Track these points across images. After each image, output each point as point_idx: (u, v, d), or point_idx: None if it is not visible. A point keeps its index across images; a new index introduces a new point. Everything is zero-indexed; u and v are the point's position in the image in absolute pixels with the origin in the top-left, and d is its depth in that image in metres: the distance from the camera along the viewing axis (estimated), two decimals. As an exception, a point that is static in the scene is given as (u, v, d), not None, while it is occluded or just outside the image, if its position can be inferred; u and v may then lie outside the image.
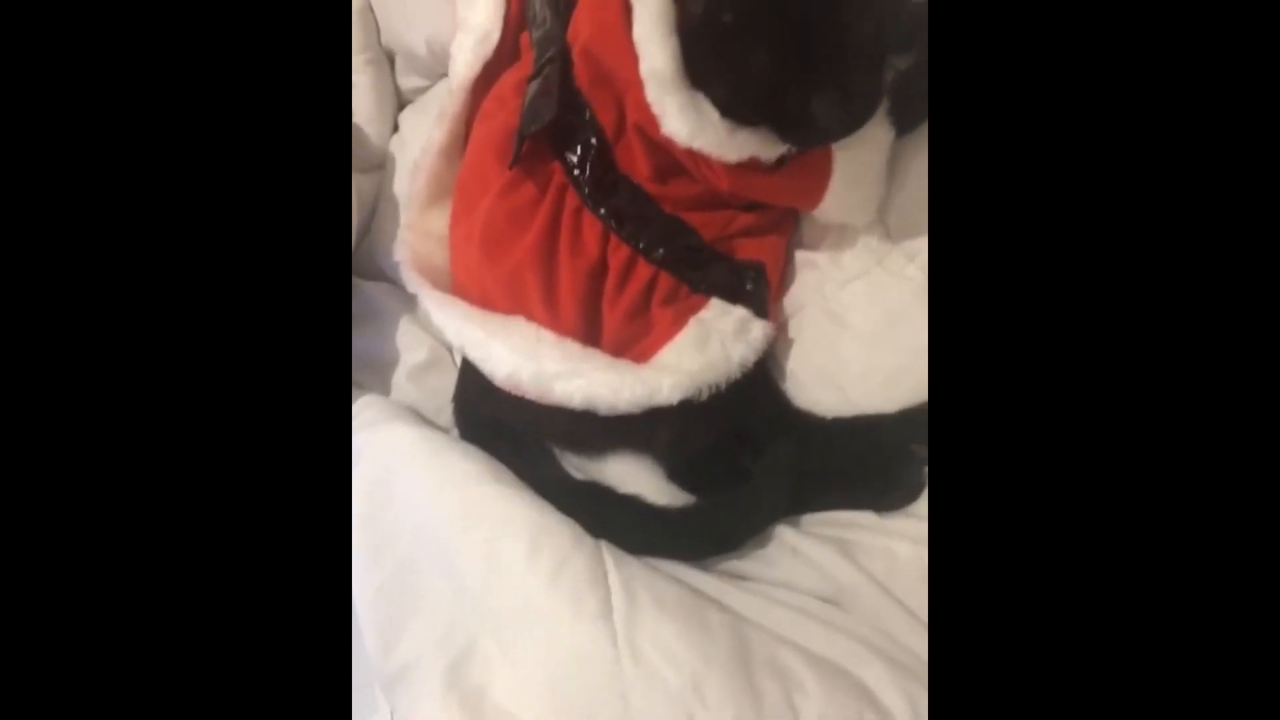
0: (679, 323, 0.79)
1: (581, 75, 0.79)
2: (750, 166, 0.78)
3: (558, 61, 0.81)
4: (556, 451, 0.85)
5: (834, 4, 0.65)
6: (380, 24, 1.09)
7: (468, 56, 0.90)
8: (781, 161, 0.77)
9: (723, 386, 0.78)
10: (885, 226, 0.83)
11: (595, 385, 0.77)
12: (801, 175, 0.79)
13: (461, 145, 0.91)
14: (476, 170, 0.86)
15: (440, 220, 0.90)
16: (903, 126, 0.79)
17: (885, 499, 0.75)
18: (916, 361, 0.77)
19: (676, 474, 0.81)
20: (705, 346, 0.78)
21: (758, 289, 0.83)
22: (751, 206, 0.83)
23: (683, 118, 0.72)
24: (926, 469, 0.74)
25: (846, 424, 0.78)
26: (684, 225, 0.81)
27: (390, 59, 1.11)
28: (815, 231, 0.86)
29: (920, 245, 0.80)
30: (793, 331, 0.85)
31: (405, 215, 0.93)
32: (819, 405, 0.81)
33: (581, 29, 0.79)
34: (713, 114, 0.72)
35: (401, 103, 1.12)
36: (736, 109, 0.71)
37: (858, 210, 0.82)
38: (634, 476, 0.82)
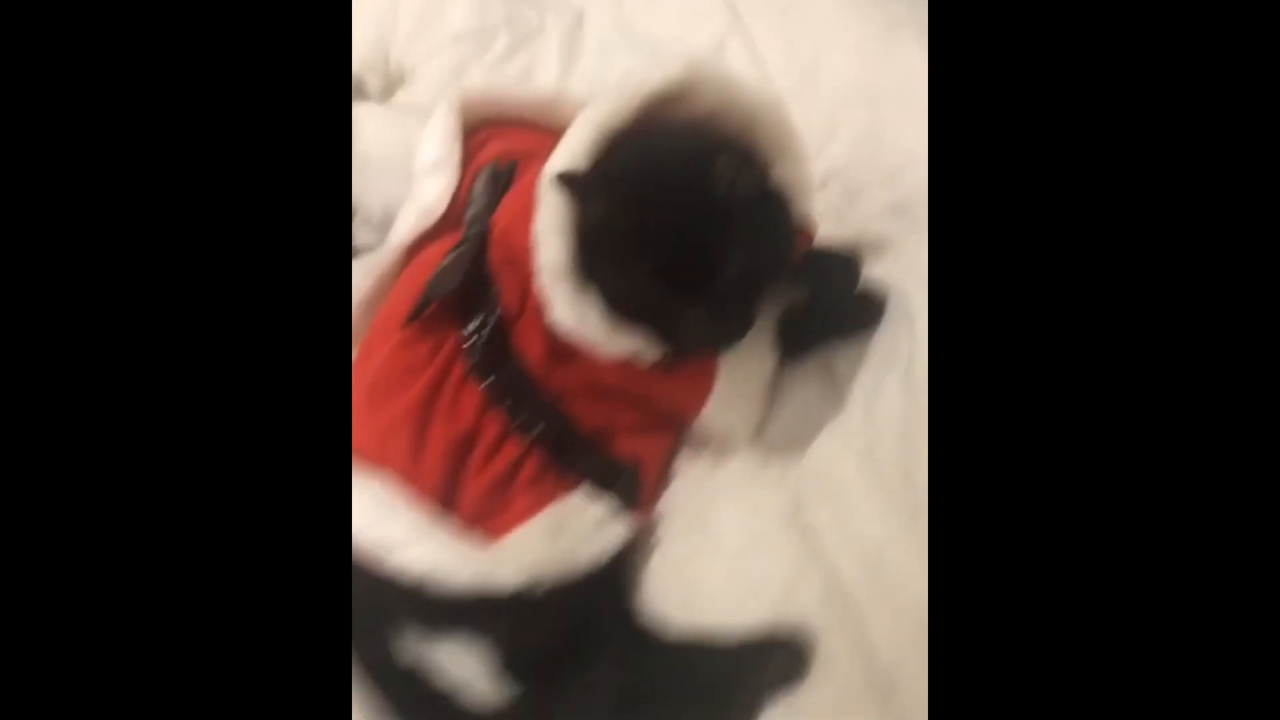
0: (536, 507, 0.77)
1: (495, 255, 0.83)
2: (636, 364, 0.79)
3: (477, 239, 0.85)
4: (397, 621, 0.81)
5: (715, 234, 0.71)
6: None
7: (410, 223, 0.95)
8: (668, 367, 0.79)
9: (564, 584, 0.75)
10: (764, 443, 0.83)
11: (435, 558, 0.74)
12: (684, 382, 0.81)
13: (383, 301, 0.94)
14: (386, 322, 0.88)
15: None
16: (789, 352, 0.82)
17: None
18: (765, 586, 0.74)
19: (511, 664, 0.76)
20: (556, 538, 0.76)
21: (630, 486, 0.82)
22: (639, 405, 0.84)
23: (570, 309, 0.75)
24: (764, 706, 0.69)
25: (688, 647, 0.74)
26: (563, 411, 0.82)
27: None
28: (696, 440, 0.86)
29: (790, 468, 0.80)
30: (661, 533, 0.83)
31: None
32: (667, 619, 0.77)
33: (504, 213, 0.84)
34: (596, 309, 0.74)
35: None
36: (618, 309, 0.74)
37: (737, 425, 0.82)
38: (467, 659, 0.77)
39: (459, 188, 0.96)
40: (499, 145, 0.94)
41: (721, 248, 0.71)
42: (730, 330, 0.75)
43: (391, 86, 1.26)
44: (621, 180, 0.71)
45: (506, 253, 0.82)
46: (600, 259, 0.73)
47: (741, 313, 0.75)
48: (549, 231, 0.74)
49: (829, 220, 0.90)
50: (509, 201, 0.85)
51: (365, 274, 0.96)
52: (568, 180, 0.71)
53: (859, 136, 0.96)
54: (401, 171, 1.08)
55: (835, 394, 0.81)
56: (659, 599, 0.79)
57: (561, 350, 0.82)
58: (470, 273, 0.84)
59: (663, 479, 0.86)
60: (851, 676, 0.68)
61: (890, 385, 0.77)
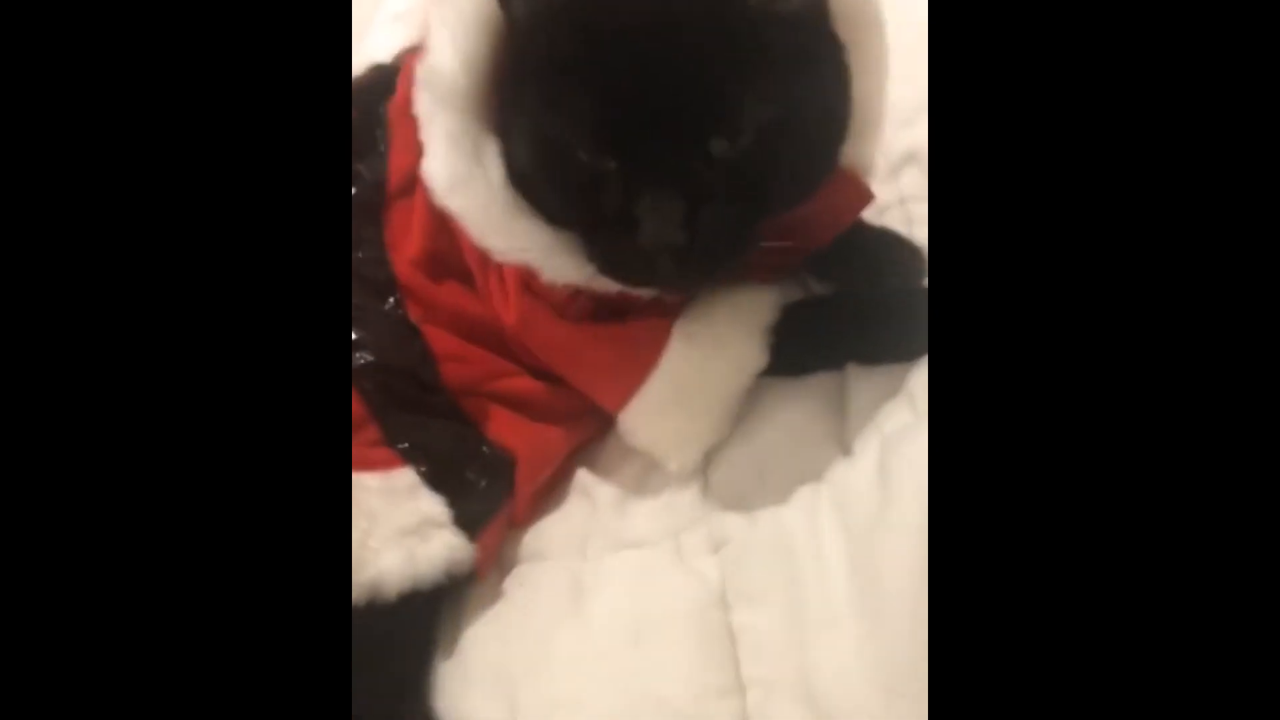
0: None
1: (399, 97, 0.56)
2: (550, 303, 0.51)
3: (376, 77, 0.58)
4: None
5: (710, 84, 0.41)
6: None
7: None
8: (595, 309, 0.50)
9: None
10: (705, 481, 0.52)
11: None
12: (614, 348, 0.52)
13: None
14: None
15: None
16: (781, 364, 0.52)
17: None
18: (635, 707, 0.43)
19: None
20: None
21: (489, 490, 0.52)
22: (541, 375, 0.55)
23: (450, 156, 0.46)
24: None
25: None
26: (421, 342, 0.53)
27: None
28: (615, 451, 0.56)
29: (734, 530, 0.49)
30: (508, 586, 0.53)
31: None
32: (471, 714, 0.46)
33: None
34: (494, 170, 0.46)
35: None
36: (533, 178, 0.45)
37: (675, 441, 0.52)
38: None
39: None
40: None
41: (730, 96, 0.41)
42: (710, 251, 0.43)
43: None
44: None
45: (409, 91, 0.55)
46: (521, 89, 0.44)
47: (734, 230, 0.44)
48: (447, 20, 0.45)
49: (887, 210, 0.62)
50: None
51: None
52: None
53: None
54: (359, 25, 0.84)
55: (834, 442, 0.50)
56: (469, 685, 0.48)
57: (450, 256, 0.54)
58: (361, 113, 0.57)
59: (544, 496, 0.56)
60: None
61: (914, 462, 0.45)
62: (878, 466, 0.44)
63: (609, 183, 0.43)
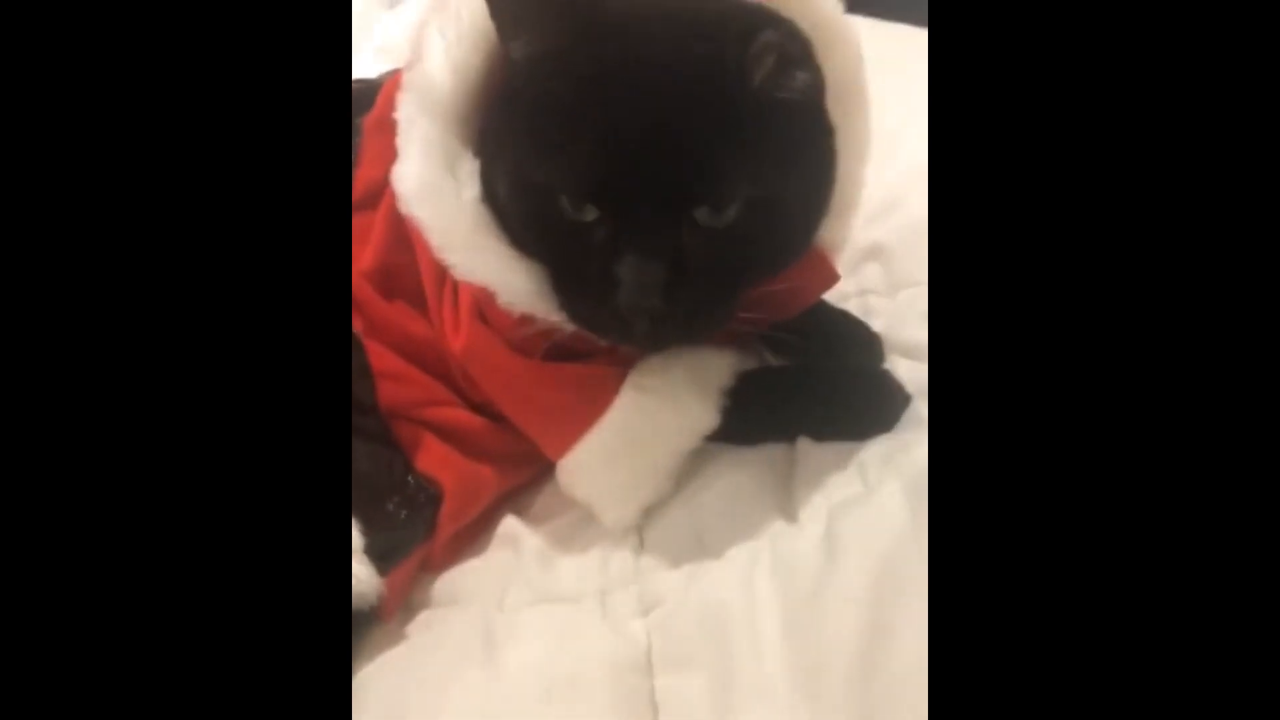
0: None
1: (375, 112, 0.55)
2: (502, 334, 0.49)
3: (369, 87, 0.58)
4: None
5: (704, 154, 0.40)
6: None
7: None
8: (550, 353, 0.48)
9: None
10: (640, 540, 0.50)
11: None
12: (563, 391, 0.50)
13: None
14: None
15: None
16: (730, 429, 0.51)
17: None
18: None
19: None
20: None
21: (409, 523, 0.49)
22: (480, 410, 0.52)
23: (424, 164, 0.45)
24: None
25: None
26: (361, 358, 0.50)
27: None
28: (548, 500, 0.53)
29: (667, 592, 0.46)
30: (415, 628, 0.49)
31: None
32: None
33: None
34: (468, 188, 0.45)
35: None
36: (510, 209, 0.44)
37: (614, 495, 0.50)
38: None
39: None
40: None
41: (723, 169, 0.40)
42: (687, 318, 0.42)
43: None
44: (585, 11, 0.41)
45: (389, 110, 0.54)
46: (510, 121, 0.44)
47: (716, 301, 0.43)
48: (445, 35, 0.45)
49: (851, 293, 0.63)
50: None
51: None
52: None
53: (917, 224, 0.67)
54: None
55: (779, 509, 0.48)
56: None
57: (403, 275, 0.52)
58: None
59: (466, 538, 0.53)
60: None
61: (863, 533, 0.44)
62: (824, 534, 0.43)
63: (590, 236, 0.42)
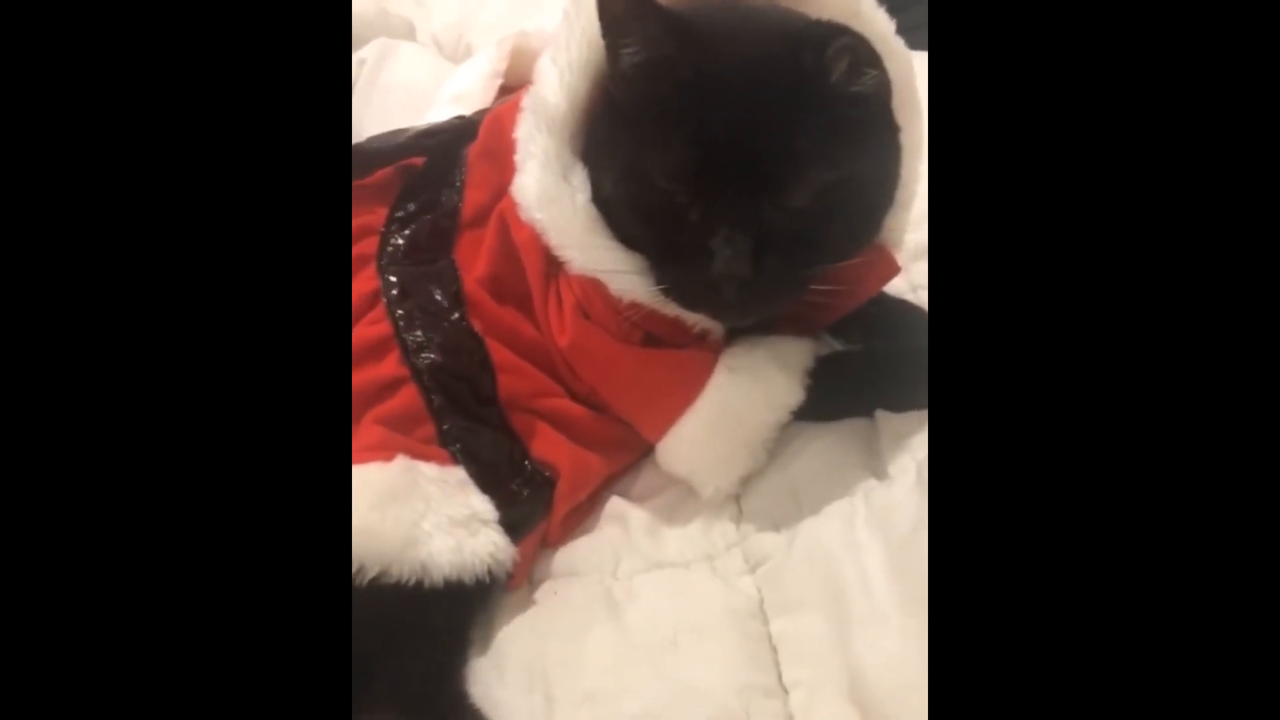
0: (383, 452, 0.50)
1: (479, 143, 0.62)
2: (603, 329, 0.54)
3: (464, 124, 0.65)
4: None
5: (803, 133, 0.46)
6: (354, 111, 0.99)
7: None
8: (649, 334, 0.54)
9: (368, 579, 0.45)
10: (739, 509, 0.55)
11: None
12: (661, 377, 0.55)
13: None
14: None
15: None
16: (815, 407, 0.56)
17: None
18: (673, 711, 0.44)
19: None
20: (394, 505, 0.48)
21: (530, 501, 0.54)
22: (585, 402, 0.58)
23: (542, 174, 0.51)
24: None
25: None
26: (483, 352, 0.56)
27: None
28: (651, 480, 0.58)
29: (771, 549, 0.51)
30: (543, 595, 0.53)
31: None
32: (503, 712, 0.46)
33: (508, 101, 0.64)
34: (580, 192, 0.51)
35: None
36: (618, 203, 0.50)
37: (713, 468, 0.55)
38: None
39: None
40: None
41: (803, 157, 0.46)
42: (771, 287, 0.48)
43: (456, 60, 1.12)
44: (685, 25, 0.48)
45: (491, 143, 0.61)
46: (617, 127, 0.50)
47: (795, 275, 0.49)
48: (552, 67, 0.52)
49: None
50: (518, 93, 0.65)
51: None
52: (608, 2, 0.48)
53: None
54: (420, 105, 0.91)
55: (868, 469, 0.53)
56: (504, 682, 0.48)
57: (514, 285, 0.58)
58: (440, 154, 0.62)
59: (578, 519, 0.57)
60: None
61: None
62: (914, 483, 0.48)
63: (687, 217, 0.48)
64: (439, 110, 0.85)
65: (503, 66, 0.81)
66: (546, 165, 0.51)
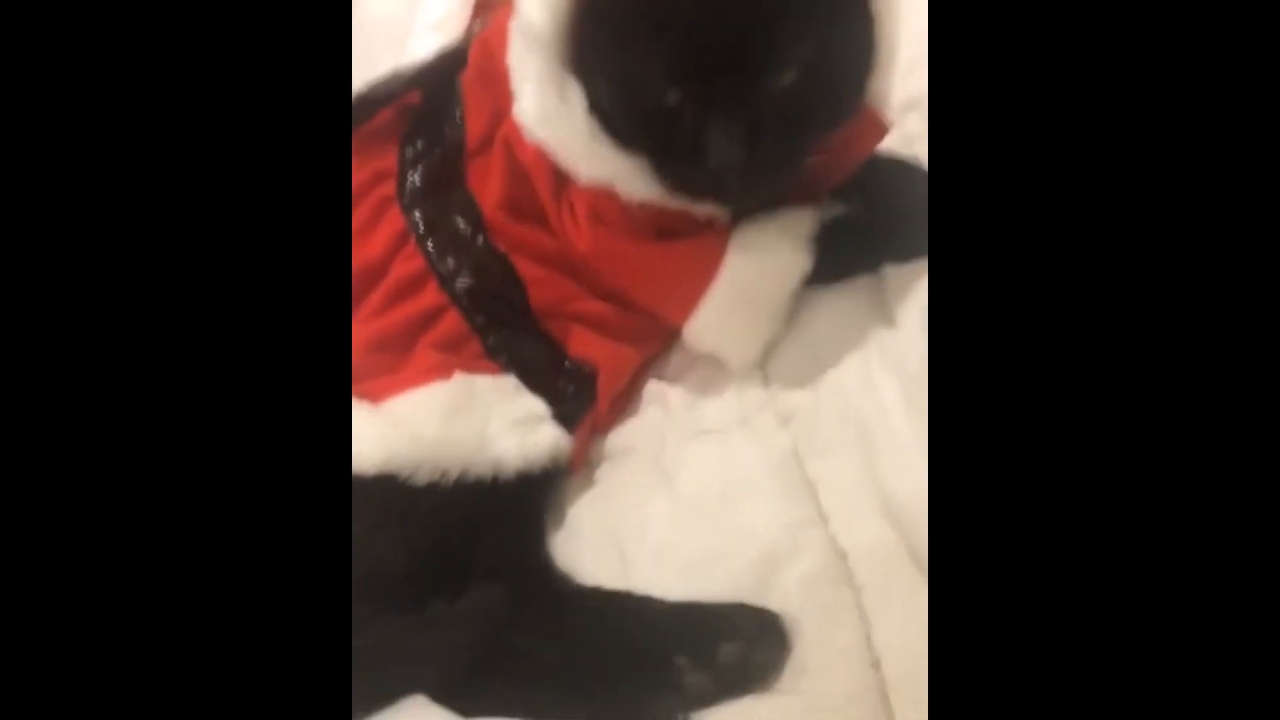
0: (441, 372, 0.55)
1: (470, 70, 0.64)
2: (617, 229, 0.59)
3: (453, 53, 0.67)
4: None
5: (775, 18, 0.49)
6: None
7: (386, 74, 0.77)
8: (661, 227, 0.58)
9: (453, 479, 0.51)
10: (765, 375, 0.60)
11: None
12: (678, 266, 0.60)
13: None
14: None
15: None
16: (821, 271, 0.60)
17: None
18: (734, 550, 0.50)
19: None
20: (461, 417, 0.54)
21: (577, 396, 0.59)
22: (611, 299, 0.63)
23: (540, 95, 0.54)
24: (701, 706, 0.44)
25: (600, 598, 0.50)
26: (511, 269, 0.60)
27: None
28: (682, 361, 0.64)
29: (799, 405, 0.57)
30: (602, 474, 0.60)
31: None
32: (585, 571, 0.53)
33: (493, 26, 0.66)
34: (578, 106, 0.54)
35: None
36: (612, 110, 0.54)
37: (737, 342, 0.60)
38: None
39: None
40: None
41: (782, 37, 0.49)
42: (766, 170, 0.52)
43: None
44: None
45: (483, 66, 0.63)
46: (600, 41, 0.53)
47: (789, 152, 0.52)
48: None
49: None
50: (501, 12, 0.67)
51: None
52: None
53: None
54: (397, 37, 0.93)
55: (878, 319, 0.58)
56: (579, 548, 0.55)
57: (527, 202, 0.62)
58: (434, 88, 0.65)
59: (622, 403, 0.63)
60: (833, 688, 0.43)
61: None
62: (919, 325, 0.53)
63: (678, 114, 0.51)
64: (419, 39, 0.87)
65: (473, -14, 0.82)
66: (542, 85, 0.54)
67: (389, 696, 0.45)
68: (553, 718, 0.45)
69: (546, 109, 0.54)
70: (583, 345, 0.61)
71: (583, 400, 0.60)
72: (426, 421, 0.52)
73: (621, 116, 0.54)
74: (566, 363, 0.60)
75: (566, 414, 0.59)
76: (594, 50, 0.53)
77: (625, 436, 0.62)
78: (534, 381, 0.58)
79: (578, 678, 0.46)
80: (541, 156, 0.58)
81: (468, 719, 0.44)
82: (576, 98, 0.54)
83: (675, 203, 0.56)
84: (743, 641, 0.45)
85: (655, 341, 0.64)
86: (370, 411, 0.53)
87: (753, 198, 0.56)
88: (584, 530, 0.56)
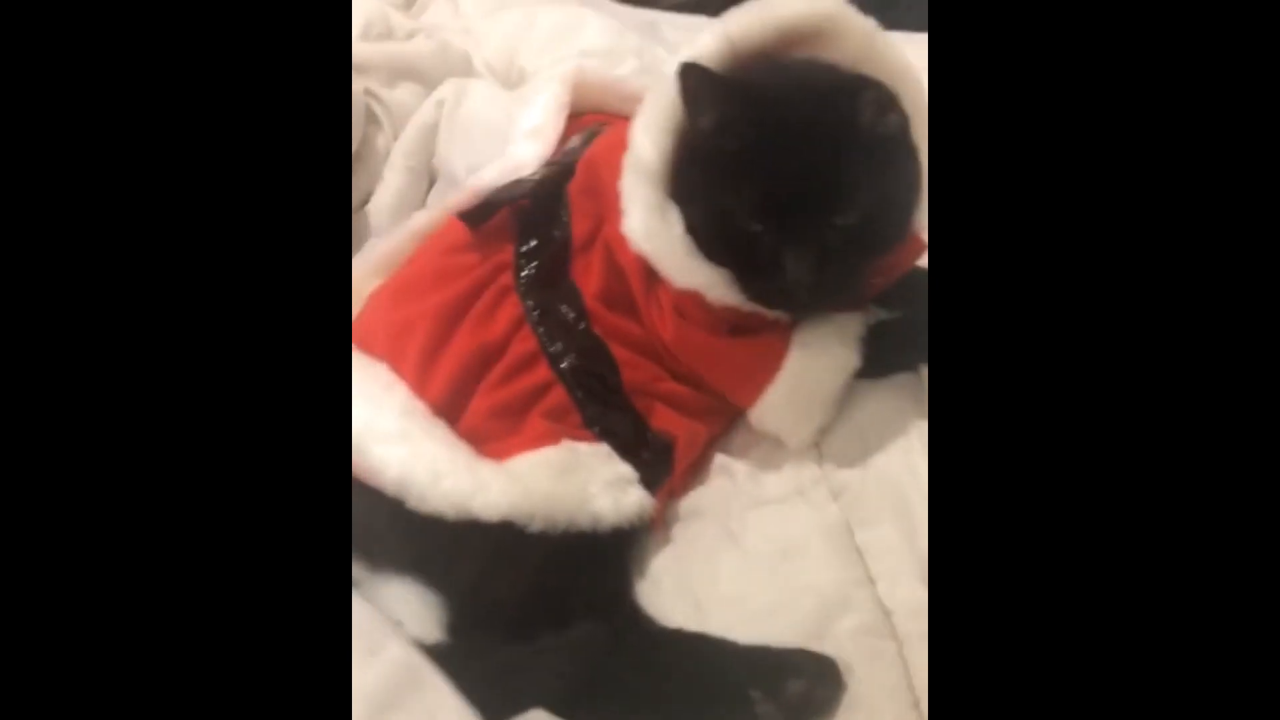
0: (551, 438, 0.66)
1: (576, 182, 0.77)
2: (697, 324, 0.70)
3: (561, 168, 0.79)
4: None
5: (845, 170, 0.62)
6: (438, 147, 1.13)
7: (493, 172, 0.90)
8: (738, 327, 0.69)
9: (560, 529, 0.61)
10: (819, 453, 0.70)
11: (418, 459, 0.62)
12: (748, 359, 0.70)
13: None
14: (438, 238, 0.81)
15: (373, 287, 0.83)
16: (870, 367, 0.71)
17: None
18: (794, 603, 0.60)
19: (458, 629, 0.61)
20: (567, 477, 0.64)
21: (656, 464, 0.70)
22: (688, 382, 0.73)
23: (645, 216, 0.66)
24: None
25: (683, 638, 0.59)
26: (607, 352, 0.71)
27: (432, 180, 1.14)
28: (745, 438, 0.74)
29: (849, 481, 0.67)
30: (676, 533, 0.70)
31: (350, 268, 0.86)
32: (665, 616, 0.62)
33: (595, 147, 0.78)
34: (676, 226, 0.66)
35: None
36: (705, 234, 0.65)
37: (795, 426, 0.70)
38: (407, 611, 0.62)
39: (553, 157, 0.91)
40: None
41: (848, 188, 0.61)
42: (831, 286, 0.64)
43: (509, 86, 1.26)
44: (746, 91, 0.63)
45: (588, 181, 0.75)
46: (698, 176, 0.65)
47: (850, 273, 0.64)
48: (645, 130, 0.67)
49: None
50: (603, 139, 0.79)
51: (435, 207, 0.90)
52: (689, 74, 0.63)
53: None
54: (498, 138, 1.05)
55: (914, 412, 0.69)
56: (660, 595, 0.64)
57: (621, 296, 0.73)
58: (545, 194, 0.77)
59: (693, 472, 0.73)
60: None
61: None
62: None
63: (759, 240, 0.63)
64: (518, 145, 0.99)
65: (567, 99, 0.95)
66: (648, 209, 0.66)
67: (512, 710, 0.54)
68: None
69: (650, 227, 0.66)
70: (663, 419, 0.71)
71: (661, 468, 0.70)
72: (540, 479, 0.62)
73: (712, 238, 0.65)
74: (649, 434, 0.71)
75: (648, 480, 0.69)
76: (692, 185, 0.65)
77: (696, 501, 0.71)
78: (622, 449, 0.68)
79: (667, 704, 0.55)
80: (636, 260, 0.70)
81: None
82: (675, 220, 0.66)
83: (749, 307, 0.67)
84: (806, 680, 0.54)
85: (723, 418, 0.75)
86: (495, 469, 0.63)
87: (816, 309, 0.67)
88: (663, 580, 0.65)
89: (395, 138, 1.13)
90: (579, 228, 0.75)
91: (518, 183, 0.77)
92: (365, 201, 1.09)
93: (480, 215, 0.75)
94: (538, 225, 0.76)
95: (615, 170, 0.72)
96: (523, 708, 0.55)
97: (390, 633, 0.58)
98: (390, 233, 0.88)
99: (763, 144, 0.62)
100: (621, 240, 0.70)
